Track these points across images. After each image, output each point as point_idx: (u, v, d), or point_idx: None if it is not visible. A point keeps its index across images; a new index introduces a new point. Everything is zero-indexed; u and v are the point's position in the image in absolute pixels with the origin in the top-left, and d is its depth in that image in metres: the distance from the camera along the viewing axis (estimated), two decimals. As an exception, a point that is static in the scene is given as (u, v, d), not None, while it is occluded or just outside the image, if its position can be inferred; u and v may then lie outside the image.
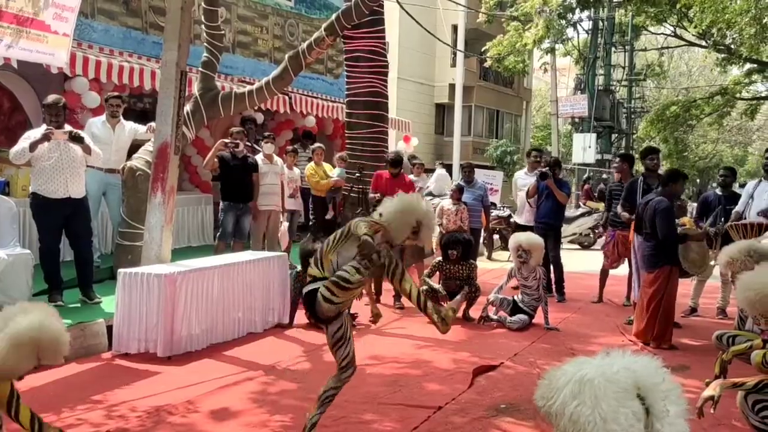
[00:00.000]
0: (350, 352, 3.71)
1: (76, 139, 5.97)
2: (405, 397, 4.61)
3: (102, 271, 7.33)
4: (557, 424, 2.37)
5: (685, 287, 7.96)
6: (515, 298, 7.14)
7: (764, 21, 15.43)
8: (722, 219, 7.20)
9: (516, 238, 7.14)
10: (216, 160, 7.78)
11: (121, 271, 5.56)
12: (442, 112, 32.09)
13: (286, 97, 11.29)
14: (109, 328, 5.56)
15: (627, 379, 2.30)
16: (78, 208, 6.13)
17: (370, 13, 9.25)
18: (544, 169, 8.68)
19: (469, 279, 7.28)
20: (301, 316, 6.73)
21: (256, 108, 9.94)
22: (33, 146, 5.81)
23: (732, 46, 20.37)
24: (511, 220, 10.81)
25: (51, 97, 6.11)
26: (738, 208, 7.13)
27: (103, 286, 6.73)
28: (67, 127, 6.05)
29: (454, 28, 26.44)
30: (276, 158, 8.59)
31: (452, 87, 26.00)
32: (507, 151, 26.84)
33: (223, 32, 8.49)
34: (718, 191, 7.87)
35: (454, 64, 26.95)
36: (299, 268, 7.01)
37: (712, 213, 7.61)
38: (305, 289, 3.68)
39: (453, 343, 6.21)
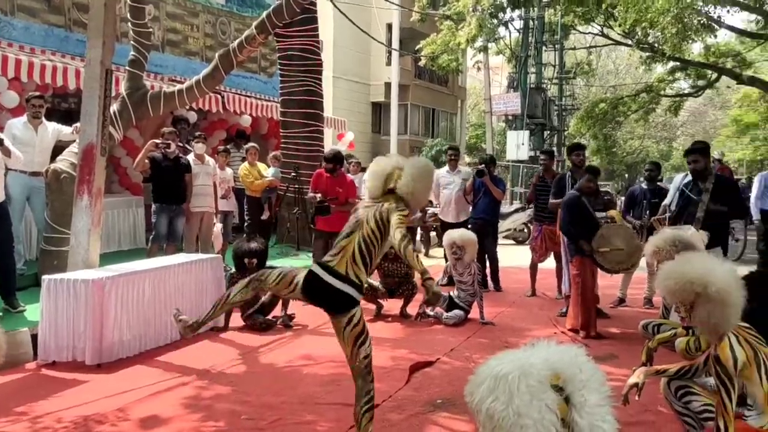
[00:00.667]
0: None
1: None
2: (342, 396, 4.60)
3: (26, 278, 7.05)
4: (478, 420, 2.41)
5: (614, 278, 8.23)
6: (451, 293, 7.22)
7: (685, 20, 16.07)
8: (648, 212, 7.48)
9: (450, 236, 7.18)
10: (147, 161, 7.59)
11: (45, 277, 5.35)
12: (379, 110, 32.19)
13: (219, 96, 11.10)
14: (35, 337, 5.34)
15: (542, 371, 2.35)
16: None
17: (302, 11, 9.20)
18: (480, 167, 8.88)
19: (407, 276, 7.33)
20: (236, 319, 6.63)
21: (187, 107, 9.74)
22: None
23: (656, 45, 21.15)
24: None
25: None
26: (665, 201, 7.44)
27: (27, 294, 6.47)
28: None
29: (389, 26, 26.56)
30: (208, 158, 8.45)
31: (388, 85, 26.13)
32: (443, 149, 27.10)
33: (150, 30, 8.28)
34: (644, 185, 8.16)
35: (389, 63, 27.09)
36: (233, 269, 6.91)
37: (638, 206, 7.91)
38: (341, 287, 3.43)
39: (390, 341, 6.24)
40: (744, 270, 4.19)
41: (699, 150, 6.23)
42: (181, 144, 9.42)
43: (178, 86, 8.32)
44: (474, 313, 7.11)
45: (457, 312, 7.00)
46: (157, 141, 7.76)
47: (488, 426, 2.35)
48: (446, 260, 8.01)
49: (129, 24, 7.89)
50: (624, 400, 3.38)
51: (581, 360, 2.45)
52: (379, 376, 5.04)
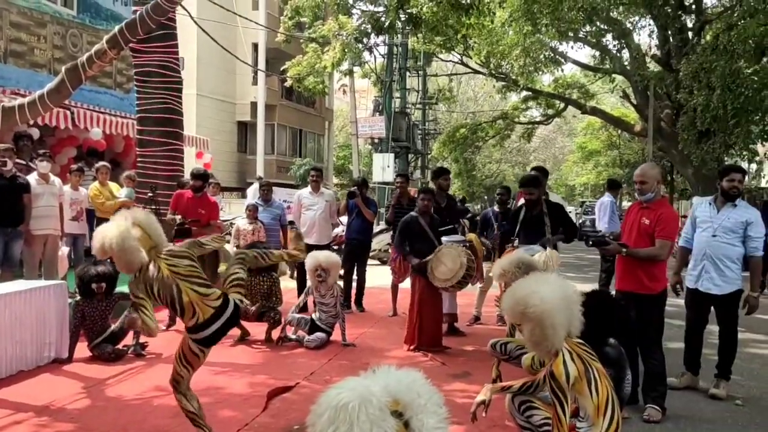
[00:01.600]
0: None
1: None
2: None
3: None
4: None
5: (470, 297, 8.56)
6: (313, 316, 7.18)
7: (532, 54, 17.21)
8: (498, 233, 7.86)
9: (315, 258, 7.05)
10: None
11: None
12: (245, 130, 31.73)
13: (68, 112, 10.46)
14: None
15: (382, 399, 2.38)
16: None
17: (158, 26, 8.87)
18: (352, 189, 9.02)
19: (270, 292, 7.21)
20: (83, 350, 6.21)
21: (30, 123, 9.08)
22: None
23: (509, 75, 22.47)
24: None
25: None
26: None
27: None
28: None
29: (255, 46, 26.34)
30: (53, 178, 7.91)
31: (254, 105, 25.85)
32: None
33: (-11, 39, 7.68)
34: (496, 208, 8.60)
35: (255, 83, 26.83)
36: (78, 297, 6.45)
37: (490, 228, 8.31)
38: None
39: (249, 367, 6.10)
40: (589, 288, 4.51)
41: (532, 183, 6.64)
42: (24, 162, 8.77)
43: (20, 100, 7.74)
44: (336, 335, 7.11)
45: (318, 335, 6.97)
46: None
47: None
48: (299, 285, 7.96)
49: (-37, 31, 7.26)
50: (472, 417, 3.51)
51: (419, 384, 2.52)
52: (236, 404, 4.94)
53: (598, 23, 18.80)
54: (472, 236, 7.84)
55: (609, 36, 19.54)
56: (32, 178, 7.58)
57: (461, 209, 9.99)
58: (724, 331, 5.51)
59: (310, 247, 8.60)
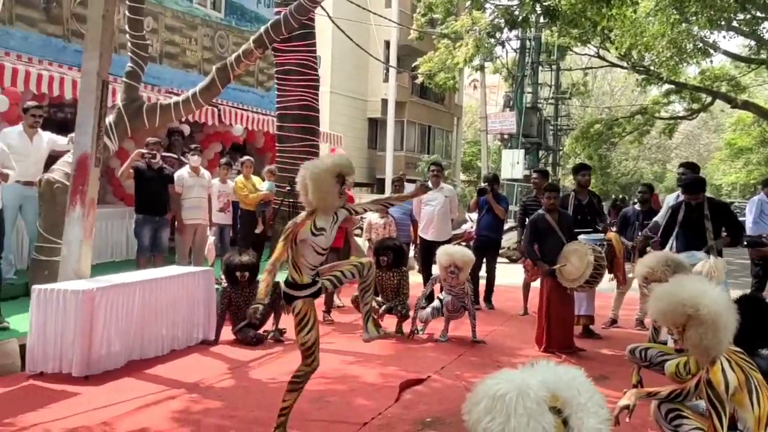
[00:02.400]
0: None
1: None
2: (331, 413, 4.57)
3: (17, 287, 7.00)
4: None
5: (607, 299, 8.24)
6: (439, 295, 7.17)
7: (680, 44, 16.23)
8: (640, 233, 7.50)
9: (450, 255, 6.92)
10: (131, 170, 7.63)
11: (35, 287, 5.31)
12: (375, 126, 32.31)
13: (215, 109, 11.12)
14: (23, 347, 5.30)
15: (540, 393, 2.34)
16: None
17: (300, 26, 9.23)
18: (483, 185, 8.97)
19: (399, 288, 7.30)
20: (227, 333, 6.60)
21: (182, 120, 9.75)
22: None
23: (651, 68, 21.33)
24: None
25: None
26: (657, 218, 7.49)
27: (17, 304, 6.42)
28: None
29: (387, 44, 26.73)
30: (203, 171, 8.44)
31: (385, 102, 26.24)
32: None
33: (148, 42, 8.31)
34: (637, 207, 8.20)
35: (386, 80, 27.23)
36: (225, 283, 6.87)
37: (630, 227, 7.93)
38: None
39: (381, 358, 6.21)
40: (737, 294, 4.21)
41: (699, 188, 6.24)
42: (176, 156, 9.43)
43: (175, 98, 8.33)
44: (465, 332, 7.08)
45: (433, 304, 7.08)
46: (143, 151, 7.76)
47: None
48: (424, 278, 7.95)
49: (127, 35, 7.91)
50: (615, 421, 3.37)
51: (579, 382, 2.46)
52: (369, 393, 5.04)
53: (752, 11, 17.40)
54: (612, 235, 7.54)
55: (765, 24, 18.05)
56: (184, 171, 8.12)
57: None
58: None
59: (428, 243, 8.59)
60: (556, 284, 6.53)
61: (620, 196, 18.64)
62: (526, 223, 7.40)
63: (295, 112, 10.71)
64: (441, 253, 6.96)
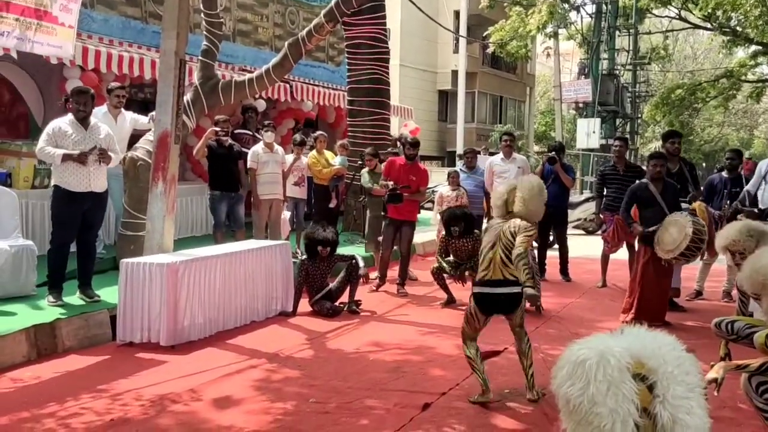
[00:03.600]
0: None
1: (105, 157, 5.85)
2: (408, 383, 4.61)
3: (105, 261, 7.34)
4: (559, 403, 2.40)
5: (692, 271, 7.93)
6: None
7: (770, 1, 15.30)
8: (728, 202, 7.17)
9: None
10: (206, 148, 7.85)
11: (123, 261, 5.55)
12: (445, 98, 31.99)
13: (287, 86, 11.24)
14: (113, 318, 5.56)
15: (623, 360, 2.29)
16: (98, 202, 6.02)
17: (370, -1, 9.18)
18: (551, 154, 8.77)
19: (474, 250, 7.26)
20: (304, 305, 6.73)
21: (256, 96, 9.91)
22: (64, 159, 5.64)
23: (737, 29, 20.20)
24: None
25: (79, 86, 6.12)
26: (749, 188, 7.14)
27: (106, 277, 6.73)
28: (98, 147, 5.80)
29: (456, 13, 26.31)
30: (277, 147, 8.56)
31: (455, 73, 25.91)
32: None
33: (222, 20, 8.44)
34: (725, 174, 7.81)
35: (456, 51, 26.85)
36: (304, 256, 7.00)
37: (717, 196, 7.57)
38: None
39: (456, 330, 6.14)
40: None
41: None
42: (250, 132, 9.60)
43: (249, 75, 8.47)
44: (544, 303, 6.97)
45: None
46: (217, 129, 7.94)
47: (565, 410, 2.35)
48: None
49: (201, 15, 8.06)
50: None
51: (668, 349, 2.39)
52: (446, 364, 5.05)
53: None
54: (696, 205, 7.22)
55: None
56: (259, 147, 8.27)
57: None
58: None
59: None
60: (653, 255, 6.30)
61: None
62: (605, 191, 7.18)
63: (366, 86, 10.70)
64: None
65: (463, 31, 23.19)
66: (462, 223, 7.19)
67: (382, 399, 4.27)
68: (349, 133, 11.12)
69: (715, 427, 3.85)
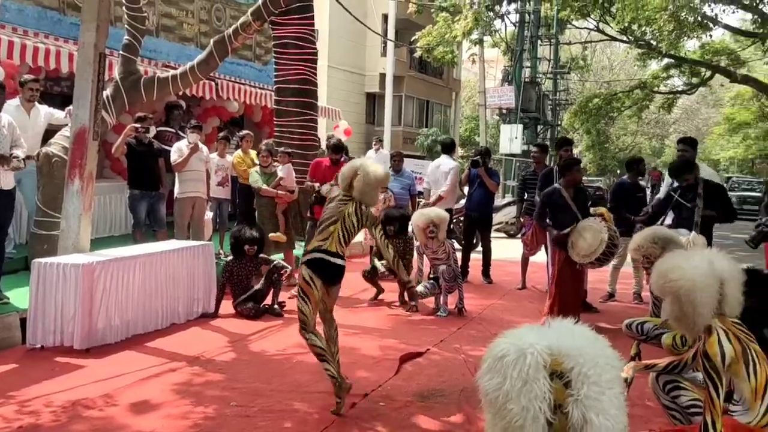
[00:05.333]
0: None
1: (5, 162, 5.58)
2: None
3: (16, 261, 7.01)
4: (480, 394, 2.47)
5: (603, 274, 8.26)
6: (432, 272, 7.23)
7: (681, 18, 16.10)
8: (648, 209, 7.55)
9: (425, 215, 7.05)
10: (125, 146, 7.63)
11: (35, 261, 5.32)
12: (373, 101, 32.12)
13: (213, 84, 11.03)
14: (23, 321, 5.32)
15: (541, 357, 2.36)
16: (4, 200, 5.77)
17: (298, -1, 9.13)
18: (475, 158, 8.95)
19: (404, 253, 7.42)
20: (226, 306, 6.63)
21: (180, 94, 9.68)
22: None
23: (651, 42, 21.16)
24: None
25: None
26: (659, 195, 7.54)
27: (17, 277, 6.44)
28: (15, 155, 5.62)
29: (385, 17, 26.47)
30: (201, 146, 8.39)
31: (383, 76, 26.03)
32: (437, 140, 27.15)
33: (145, 15, 8.21)
34: (629, 180, 8.21)
35: (384, 54, 26.96)
36: (229, 257, 6.91)
37: (631, 200, 7.91)
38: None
39: (380, 331, 6.26)
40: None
41: (687, 170, 6.33)
42: (173, 130, 9.37)
43: (172, 72, 8.27)
44: (466, 305, 7.12)
45: (432, 282, 7.10)
46: (137, 126, 7.72)
47: (485, 401, 2.41)
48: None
49: (123, 8, 7.82)
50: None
51: (586, 348, 2.45)
52: (369, 366, 5.08)
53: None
54: (602, 210, 7.53)
55: (768, -3, 17.90)
56: (183, 143, 8.08)
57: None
58: None
59: None
60: (568, 258, 6.52)
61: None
62: (536, 197, 7.38)
63: (294, 86, 10.59)
64: (416, 216, 7.05)
65: (391, 34, 23.34)
66: (397, 223, 7.30)
67: (305, 401, 4.27)
68: (276, 133, 10.98)
69: (624, 423, 4.06)
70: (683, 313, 3.05)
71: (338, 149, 8.12)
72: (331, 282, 4.33)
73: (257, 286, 6.66)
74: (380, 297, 7.63)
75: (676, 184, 6.74)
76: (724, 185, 7.48)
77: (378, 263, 7.60)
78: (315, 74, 10.93)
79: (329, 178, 7.75)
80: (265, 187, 7.92)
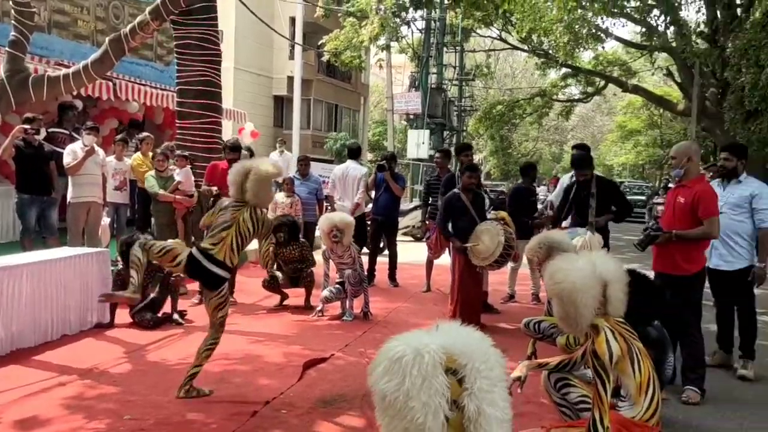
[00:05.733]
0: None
1: None
2: (232, 393, 4.52)
3: None
4: (374, 399, 2.48)
5: (503, 275, 8.52)
6: (337, 281, 7.23)
7: (575, 29, 16.86)
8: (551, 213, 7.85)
9: (330, 219, 7.05)
10: (13, 149, 7.22)
11: None
12: (281, 104, 31.84)
13: (110, 84, 10.61)
14: None
15: (437, 355, 2.43)
16: None
17: (200, -1, 8.93)
18: (381, 162, 9.02)
19: (303, 259, 7.37)
20: (122, 315, 6.37)
21: (74, 93, 9.25)
22: None
23: (549, 52, 22.06)
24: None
25: None
26: (551, 198, 7.86)
27: None
28: None
29: (292, 20, 26.26)
30: (97, 148, 8.05)
31: (291, 79, 25.85)
32: (346, 144, 27.23)
33: (34, 10, 7.75)
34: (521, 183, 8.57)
35: (292, 57, 26.81)
36: (120, 265, 6.61)
37: (528, 204, 8.23)
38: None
39: (285, 338, 6.19)
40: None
41: (586, 165, 6.59)
42: (67, 132, 8.95)
43: (64, 71, 7.86)
44: (372, 309, 7.16)
45: (337, 286, 7.12)
46: (26, 127, 7.33)
47: (381, 405, 2.43)
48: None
49: (10, 2, 7.37)
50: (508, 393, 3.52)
51: (477, 345, 2.55)
52: (271, 373, 5.02)
53: (644, -2, 18.29)
54: (503, 214, 7.78)
55: (655, 12, 19.02)
56: (77, 145, 7.73)
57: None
58: (740, 309, 5.50)
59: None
60: (467, 261, 6.68)
61: None
62: (439, 201, 7.52)
63: (196, 88, 10.34)
64: (321, 221, 7.08)
65: (298, 38, 23.16)
66: (286, 229, 7.25)
67: (204, 412, 4.15)
68: (178, 136, 10.69)
69: (520, 421, 4.18)
70: (566, 313, 3.19)
71: (235, 149, 7.86)
72: (205, 286, 4.41)
73: (153, 295, 6.42)
74: (285, 303, 7.56)
75: (570, 181, 7.05)
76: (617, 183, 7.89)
77: (275, 273, 7.48)
78: (219, 76, 10.72)
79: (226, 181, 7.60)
80: (162, 192, 7.68)
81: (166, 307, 6.54)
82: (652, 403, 3.18)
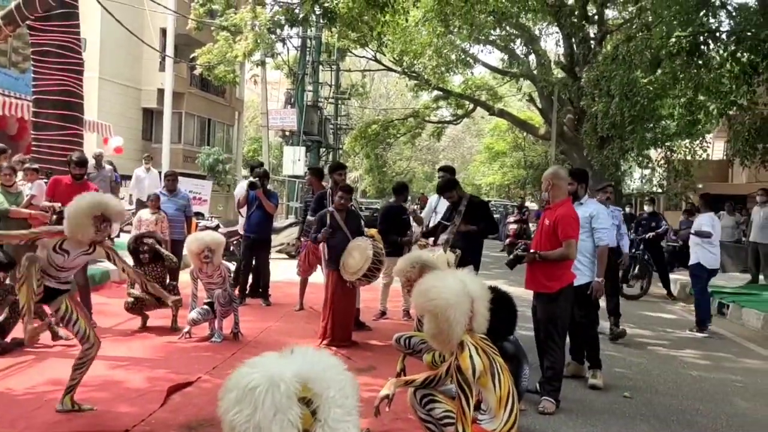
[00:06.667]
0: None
1: None
2: (89, 422, 4.25)
3: None
4: (223, 429, 2.40)
5: (375, 292, 8.64)
6: (205, 301, 7.03)
7: (445, 54, 17.56)
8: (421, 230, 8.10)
9: (200, 239, 6.77)
10: None
11: None
12: (151, 117, 30.62)
13: (-44, 90, 9.78)
14: None
15: (292, 385, 2.39)
16: None
17: (60, 5, 8.47)
18: (254, 180, 8.89)
19: (164, 277, 7.13)
20: (-34, 343, 5.84)
21: None
22: None
23: (421, 74, 22.80)
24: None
25: None
26: (423, 215, 8.12)
27: None
28: None
29: (163, 31, 25.43)
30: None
31: (161, 92, 24.97)
32: (219, 159, 26.68)
33: None
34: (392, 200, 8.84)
35: (163, 69, 25.91)
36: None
37: (401, 223, 8.43)
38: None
39: (149, 361, 5.92)
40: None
41: (449, 188, 6.92)
42: None
43: None
44: (242, 329, 7.01)
45: (205, 307, 6.93)
46: None
47: None
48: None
49: None
50: (375, 411, 3.57)
51: (332, 373, 2.52)
52: (133, 399, 4.79)
53: (507, 28, 19.35)
54: (372, 231, 7.91)
55: (518, 41, 20.20)
56: None
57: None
58: (583, 323, 5.87)
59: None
60: (339, 278, 6.71)
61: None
62: (309, 218, 7.55)
63: (55, 98, 9.76)
64: (190, 240, 6.80)
65: (169, 50, 22.45)
66: (147, 247, 7.02)
67: (56, 444, 3.88)
68: (34, 148, 10.02)
69: (388, 437, 4.25)
70: (439, 329, 3.29)
71: (81, 164, 7.34)
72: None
73: (1, 318, 5.94)
74: (148, 324, 7.22)
75: (441, 203, 7.34)
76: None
77: (134, 292, 7.11)
78: (81, 86, 10.19)
79: (71, 196, 7.16)
80: (14, 208, 7.14)
81: (16, 332, 6.05)
82: (511, 416, 3.33)
